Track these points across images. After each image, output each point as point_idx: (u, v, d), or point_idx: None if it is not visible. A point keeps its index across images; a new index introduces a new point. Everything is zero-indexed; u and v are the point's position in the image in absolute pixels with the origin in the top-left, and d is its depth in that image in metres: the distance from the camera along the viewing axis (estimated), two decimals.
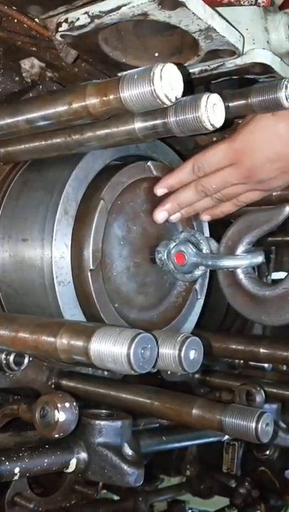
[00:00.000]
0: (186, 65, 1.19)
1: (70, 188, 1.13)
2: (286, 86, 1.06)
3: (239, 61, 1.19)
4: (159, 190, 1.25)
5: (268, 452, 1.81)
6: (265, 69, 1.21)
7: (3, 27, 1.19)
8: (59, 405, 1.00)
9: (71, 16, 1.06)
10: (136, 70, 0.89)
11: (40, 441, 1.11)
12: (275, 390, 1.60)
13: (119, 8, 0.99)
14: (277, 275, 2.02)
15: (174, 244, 1.26)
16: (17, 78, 1.31)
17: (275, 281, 1.62)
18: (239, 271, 1.27)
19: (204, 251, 1.27)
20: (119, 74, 0.98)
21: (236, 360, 1.78)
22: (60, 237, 1.11)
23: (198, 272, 1.28)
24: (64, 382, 1.34)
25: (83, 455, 1.11)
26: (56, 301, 1.11)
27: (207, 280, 1.42)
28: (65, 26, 1.07)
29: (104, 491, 1.89)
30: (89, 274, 1.12)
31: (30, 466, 1.05)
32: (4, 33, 1.19)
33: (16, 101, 1.21)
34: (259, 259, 1.25)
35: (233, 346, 1.56)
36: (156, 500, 2.04)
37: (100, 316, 1.14)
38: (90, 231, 1.12)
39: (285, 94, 1.06)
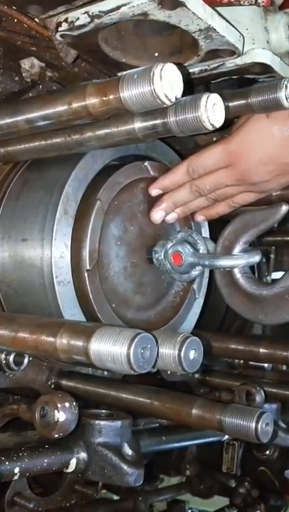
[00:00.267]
0: (185, 64, 1.19)
1: (69, 188, 1.13)
2: (286, 86, 1.06)
3: (239, 61, 1.19)
4: (154, 191, 1.26)
5: (267, 452, 1.81)
6: (265, 69, 1.21)
7: (3, 27, 1.19)
8: (59, 405, 1.00)
9: (71, 15, 1.06)
10: (136, 69, 0.89)
11: (40, 441, 1.11)
12: (274, 390, 1.60)
13: (119, 7, 0.99)
14: (277, 275, 2.02)
15: (171, 244, 1.26)
16: (17, 78, 1.31)
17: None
18: (236, 270, 1.27)
19: (201, 251, 1.28)
20: (119, 74, 0.98)
21: (236, 360, 1.78)
22: (60, 237, 1.11)
23: (195, 272, 1.29)
24: (64, 382, 1.34)
25: (83, 455, 1.11)
26: (56, 301, 1.11)
27: (206, 280, 1.42)
28: (64, 26, 1.07)
29: (104, 491, 1.89)
30: (86, 274, 1.12)
31: (30, 466, 1.05)
32: (4, 32, 1.19)
33: (15, 101, 1.21)
34: (256, 258, 1.26)
35: (233, 346, 1.56)
36: (156, 500, 2.04)
37: (97, 315, 1.14)
38: (86, 231, 1.12)
39: (285, 94, 1.06)
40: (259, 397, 1.40)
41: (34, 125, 1.04)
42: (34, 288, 1.14)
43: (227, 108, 1.09)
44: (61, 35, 1.09)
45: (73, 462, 1.11)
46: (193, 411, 1.13)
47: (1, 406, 1.30)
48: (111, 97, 0.90)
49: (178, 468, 2.06)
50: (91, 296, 1.13)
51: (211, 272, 1.39)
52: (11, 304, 1.21)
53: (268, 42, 1.20)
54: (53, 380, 1.34)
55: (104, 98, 0.91)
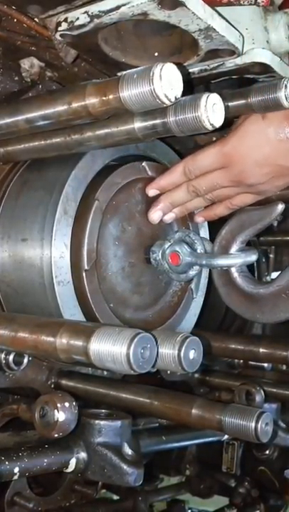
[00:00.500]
0: (185, 64, 1.19)
1: (69, 187, 1.13)
2: (286, 86, 1.06)
3: (239, 61, 1.19)
4: (151, 191, 1.26)
5: (267, 452, 1.81)
6: (265, 69, 1.21)
7: (2, 26, 1.19)
8: (59, 405, 1.00)
9: (71, 15, 1.06)
10: (135, 69, 0.89)
11: (40, 440, 1.11)
12: (274, 390, 1.60)
13: (118, 7, 0.99)
14: (276, 274, 2.02)
15: (169, 244, 1.27)
16: (17, 78, 1.31)
17: None
18: (233, 270, 1.27)
19: (199, 251, 1.28)
20: (119, 73, 0.98)
21: (236, 360, 1.78)
22: (60, 237, 1.11)
23: (192, 272, 1.29)
24: (64, 381, 1.34)
25: (83, 455, 1.11)
26: (56, 300, 1.11)
27: (206, 280, 1.42)
28: (64, 26, 1.07)
29: (104, 491, 1.89)
30: (84, 274, 1.12)
31: (29, 465, 1.05)
32: (4, 32, 1.19)
33: (15, 100, 1.21)
34: (253, 257, 1.26)
35: (233, 346, 1.56)
36: (155, 499, 2.04)
37: (95, 315, 1.14)
38: (84, 231, 1.12)
39: (285, 93, 1.06)
40: (259, 397, 1.40)
41: (34, 125, 1.04)
42: (34, 288, 1.14)
43: (227, 108, 1.09)
44: (61, 35, 1.09)
45: (73, 462, 1.11)
46: (193, 411, 1.13)
47: (0, 406, 1.30)
48: (111, 96, 0.90)
49: (178, 468, 2.06)
50: (89, 296, 1.13)
51: (211, 272, 1.39)
52: (10, 303, 1.21)
53: (267, 42, 1.20)
54: (53, 380, 1.34)
55: (104, 98, 0.91)
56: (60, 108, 0.98)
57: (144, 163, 1.26)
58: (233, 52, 1.13)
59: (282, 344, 1.49)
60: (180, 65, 1.11)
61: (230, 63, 1.20)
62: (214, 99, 0.95)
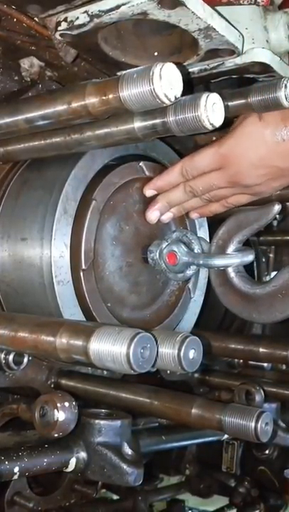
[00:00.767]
0: (185, 64, 1.19)
1: (69, 187, 1.13)
2: (285, 85, 1.06)
3: (238, 60, 1.19)
4: (148, 192, 1.26)
5: (267, 451, 1.81)
6: (265, 68, 1.21)
7: (2, 26, 1.19)
8: (58, 405, 1.00)
9: (70, 15, 1.06)
10: (135, 69, 0.88)
11: (40, 440, 1.11)
12: (274, 390, 1.60)
13: (118, 7, 0.99)
14: None
15: (166, 244, 1.27)
16: (16, 77, 1.31)
17: None
18: (230, 270, 1.27)
19: (196, 250, 1.28)
20: (119, 73, 0.98)
21: (236, 360, 1.78)
22: (60, 237, 1.11)
23: (190, 272, 1.29)
24: (63, 381, 1.34)
25: (83, 454, 1.11)
26: (55, 300, 1.11)
27: (206, 280, 1.42)
28: (64, 25, 1.07)
29: (104, 491, 1.89)
30: (81, 273, 1.12)
31: (29, 465, 1.05)
32: (4, 32, 1.19)
33: (15, 100, 1.21)
34: (249, 257, 1.26)
35: (233, 346, 1.56)
36: (155, 499, 2.04)
37: (92, 315, 1.14)
38: (82, 231, 1.12)
39: (285, 93, 1.06)
40: (259, 397, 1.40)
41: (34, 124, 1.04)
42: (34, 287, 1.14)
43: (226, 107, 1.09)
44: (61, 35, 1.09)
45: (73, 462, 1.11)
46: (193, 410, 1.13)
47: (0, 405, 1.30)
48: (110, 96, 0.90)
49: (177, 467, 2.06)
50: (87, 295, 1.13)
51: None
52: (10, 303, 1.21)
53: (267, 41, 1.20)
54: (53, 380, 1.34)
55: (104, 97, 0.91)
56: (60, 108, 0.98)
57: (141, 163, 1.27)
58: (232, 51, 1.13)
59: (282, 344, 1.49)
60: (180, 65, 1.11)
61: (230, 63, 1.20)
62: (214, 99, 0.95)
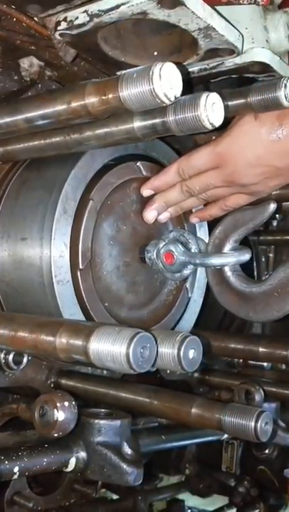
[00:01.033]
0: (185, 64, 1.19)
1: (69, 187, 1.13)
2: (285, 85, 1.06)
3: (238, 60, 1.19)
4: (145, 191, 1.27)
5: (267, 451, 1.81)
6: (265, 68, 1.21)
7: (2, 26, 1.19)
8: (58, 404, 1.00)
9: (70, 14, 1.06)
10: (135, 69, 0.88)
11: (40, 440, 1.11)
12: (274, 389, 1.60)
13: (118, 6, 0.99)
14: None
15: (164, 243, 1.27)
16: (16, 77, 1.31)
17: None
18: (227, 269, 1.28)
19: (193, 250, 1.29)
20: (119, 73, 0.98)
21: (235, 359, 1.78)
22: (59, 237, 1.11)
23: (187, 271, 1.30)
24: (63, 381, 1.34)
25: (82, 454, 1.11)
26: (55, 300, 1.11)
27: (206, 279, 1.42)
28: (64, 25, 1.07)
29: (104, 490, 1.89)
30: (78, 273, 1.12)
31: (29, 465, 1.05)
32: (3, 31, 1.19)
33: (14, 100, 1.20)
34: (246, 256, 1.27)
35: (233, 345, 1.56)
36: (155, 499, 2.04)
37: (90, 314, 1.15)
38: (79, 231, 1.13)
39: (284, 93, 1.06)
40: (258, 396, 1.40)
41: (33, 124, 1.04)
42: (33, 287, 1.14)
43: (226, 107, 1.09)
44: (60, 34, 1.09)
45: (73, 461, 1.11)
46: (193, 410, 1.13)
47: (0, 405, 1.30)
48: (110, 96, 0.90)
49: (177, 467, 2.06)
50: (84, 295, 1.13)
51: None
52: (10, 303, 1.21)
53: (267, 41, 1.20)
54: (53, 379, 1.34)
55: (104, 97, 0.91)
56: (60, 107, 0.98)
57: (138, 163, 1.27)
58: (232, 51, 1.13)
59: (282, 343, 1.49)
60: (179, 65, 1.11)
61: (230, 62, 1.20)
62: (214, 99, 0.95)
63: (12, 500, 1.43)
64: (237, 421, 1.08)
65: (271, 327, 1.97)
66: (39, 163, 1.22)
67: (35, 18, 1.16)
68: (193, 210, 1.35)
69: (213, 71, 1.23)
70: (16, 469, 1.03)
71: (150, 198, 1.27)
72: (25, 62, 1.30)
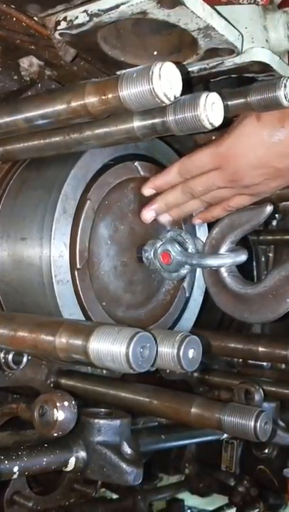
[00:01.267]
0: (185, 63, 1.19)
1: (68, 186, 1.13)
2: (285, 85, 1.06)
3: (238, 60, 1.19)
4: (146, 191, 1.27)
5: (266, 451, 1.81)
6: (264, 67, 1.21)
7: (1, 25, 1.19)
8: (58, 404, 1.00)
9: (70, 14, 1.06)
10: (135, 68, 0.88)
11: (39, 440, 1.11)
12: (273, 389, 1.60)
13: (118, 6, 0.99)
14: None
15: (161, 243, 1.27)
16: (16, 77, 1.31)
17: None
18: (223, 269, 1.28)
19: (190, 250, 1.29)
20: (118, 72, 0.98)
21: (235, 359, 1.78)
22: (59, 236, 1.11)
23: (184, 271, 1.30)
24: (63, 381, 1.34)
25: (82, 454, 1.11)
26: (55, 299, 1.11)
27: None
28: (63, 25, 1.07)
29: (103, 490, 1.89)
30: (76, 273, 1.12)
31: (29, 464, 1.05)
32: (3, 31, 1.19)
33: (14, 99, 1.20)
34: (242, 257, 1.27)
35: (232, 345, 1.56)
36: (155, 498, 2.04)
37: (87, 314, 1.15)
38: (77, 231, 1.13)
39: (284, 92, 1.06)
40: (258, 396, 1.40)
41: (33, 124, 1.04)
42: (33, 287, 1.14)
43: (226, 107, 1.09)
44: (60, 34, 1.09)
45: (72, 461, 1.11)
46: (193, 410, 1.13)
47: (0, 405, 1.30)
48: (110, 95, 0.90)
49: (177, 466, 2.06)
50: (81, 294, 1.14)
51: None
52: (10, 303, 1.21)
53: (267, 41, 1.20)
54: (52, 379, 1.34)
55: (103, 97, 0.91)
56: (60, 107, 0.98)
57: (136, 163, 1.27)
58: (232, 51, 1.13)
59: (282, 343, 1.49)
60: (179, 64, 1.11)
61: (230, 62, 1.20)
62: (213, 98, 0.95)
63: (12, 499, 1.42)
64: (237, 420, 1.08)
65: (271, 327, 1.97)
66: (39, 162, 1.22)
67: (35, 18, 1.16)
68: (194, 214, 1.35)
69: (213, 71, 1.23)
70: (15, 469, 1.03)
71: (149, 197, 1.27)
72: (24, 62, 1.30)
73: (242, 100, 1.13)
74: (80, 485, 1.55)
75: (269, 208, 1.22)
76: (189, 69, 1.22)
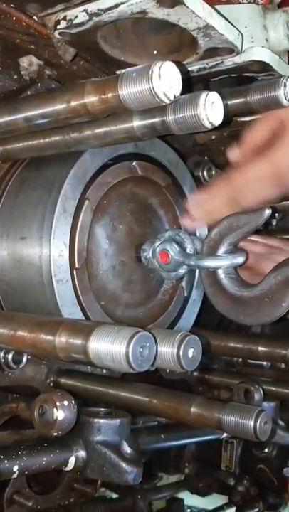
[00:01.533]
0: (184, 63, 1.19)
1: (68, 186, 1.13)
2: (285, 84, 1.06)
3: (238, 59, 1.19)
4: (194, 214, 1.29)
5: (266, 450, 1.81)
6: (264, 67, 1.21)
7: (1, 25, 1.18)
8: (58, 404, 1.00)
9: (69, 13, 1.06)
10: (134, 68, 0.88)
11: (39, 439, 1.11)
12: (273, 388, 1.60)
13: (117, 5, 0.99)
14: None
15: (159, 242, 1.27)
16: (15, 76, 1.31)
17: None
18: (220, 271, 1.27)
19: (188, 249, 1.28)
20: (118, 72, 0.98)
21: (235, 358, 1.78)
22: (59, 236, 1.11)
23: (182, 270, 1.30)
24: (63, 380, 1.34)
25: (82, 453, 1.11)
26: (54, 299, 1.11)
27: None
28: (63, 24, 1.07)
29: (103, 489, 1.89)
30: (74, 272, 1.12)
31: (28, 464, 1.05)
32: (3, 30, 1.19)
33: (14, 99, 1.20)
34: (240, 260, 1.26)
35: (232, 344, 1.56)
36: (154, 498, 2.04)
37: (86, 313, 1.15)
38: (75, 230, 1.13)
39: (284, 92, 1.06)
40: (258, 396, 1.40)
41: (33, 123, 1.04)
42: (33, 286, 1.14)
43: (226, 106, 1.09)
44: (60, 33, 1.09)
45: (72, 460, 1.11)
46: (192, 409, 1.13)
47: (0, 404, 1.30)
48: (110, 95, 0.90)
49: (177, 466, 2.06)
50: (80, 294, 1.14)
51: None
52: (9, 302, 1.21)
53: (266, 40, 1.20)
54: (52, 379, 1.34)
55: (103, 96, 0.91)
56: (59, 106, 0.98)
57: (134, 163, 1.27)
58: (232, 50, 1.13)
59: (281, 343, 1.49)
60: (179, 64, 1.11)
61: (229, 61, 1.20)
62: (213, 98, 0.95)
63: (11, 499, 1.43)
64: (236, 420, 1.08)
65: (271, 327, 1.97)
66: (39, 162, 1.22)
67: (35, 17, 1.16)
68: None
69: (213, 70, 1.23)
70: (15, 468, 1.03)
71: (148, 197, 1.27)
72: (24, 61, 1.30)
73: (242, 100, 1.13)
74: (80, 484, 1.56)
75: (267, 212, 1.21)
76: (189, 68, 1.22)
